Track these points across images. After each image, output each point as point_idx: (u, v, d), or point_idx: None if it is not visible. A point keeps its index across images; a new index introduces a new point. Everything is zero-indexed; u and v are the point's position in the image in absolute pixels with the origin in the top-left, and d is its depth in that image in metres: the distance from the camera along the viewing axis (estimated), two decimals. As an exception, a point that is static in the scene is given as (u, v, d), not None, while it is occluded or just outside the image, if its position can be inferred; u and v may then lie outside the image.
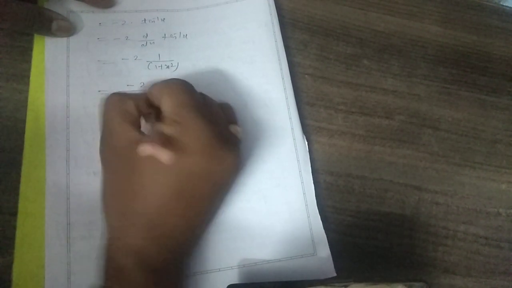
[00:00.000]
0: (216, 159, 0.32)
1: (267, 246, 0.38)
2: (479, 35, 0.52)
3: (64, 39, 0.42)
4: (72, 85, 0.40)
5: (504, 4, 0.55)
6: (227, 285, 0.34)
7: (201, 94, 0.37)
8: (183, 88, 0.34)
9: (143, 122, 0.35)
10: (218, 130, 0.33)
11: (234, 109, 0.40)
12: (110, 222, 0.33)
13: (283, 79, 0.44)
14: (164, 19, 0.44)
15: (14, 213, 0.36)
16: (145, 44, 0.43)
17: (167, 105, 0.33)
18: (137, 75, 0.42)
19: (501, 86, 0.50)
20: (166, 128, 0.32)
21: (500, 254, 0.43)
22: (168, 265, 0.32)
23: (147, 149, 0.31)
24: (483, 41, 0.52)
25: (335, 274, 0.37)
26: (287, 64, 0.45)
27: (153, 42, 0.43)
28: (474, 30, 0.53)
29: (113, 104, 0.34)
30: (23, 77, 0.40)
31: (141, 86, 0.41)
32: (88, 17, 0.43)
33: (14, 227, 0.35)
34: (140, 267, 0.30)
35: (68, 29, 0.41)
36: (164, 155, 0.30)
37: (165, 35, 0.44)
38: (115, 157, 0.33)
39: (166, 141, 0.31)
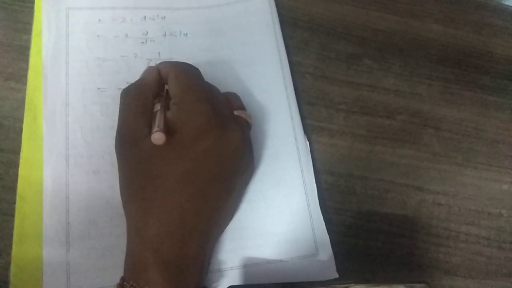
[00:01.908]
0: (217, 138, 0.33)
1: (268, 247, 0.38)
2: (481, 34, 0.52)
3: (63, 36, 0.41)
4: (71, 83, 0.40)
5: (506, 3, 0.55)
6: (227, 286, 0.34)
7: (206, 82, 0.37)
8: (189, 72, 0.36)
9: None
10: (219, 112, 0.34)
11: (239, 97, 0.40)
12: (128, 214, 0.33)
13: (284, 78, 0.44)
14: (164, 17, 0.44)
15: (11, 214, 0.35)
16: (145, 42, 0.43)
17: (172, 87, 0.35)
18: (137, 73, 0.41)
19: (503, 86, 0.50)
20: (169, 113, 0.33)
21: (502, 255, 0.42)
22: (185, 260, 0.31)
23: (161, 137, 0.31)
24: (485, 40, 0.52)
25: (337, 276, 0.37)
26: (288, 64, 0.45)
27: (153, 40, 0.43)
28: (476, 29, 0.52)
29: (132, 97, 0.35)
30: (21, 76, 0.40)
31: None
32: (87, 14, 0.43)
33: (12, 228, 0.35)
34: (156, 259, 0.30)
35: None
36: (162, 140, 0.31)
37: (165, 33, 0.44)
38: (127, 149, 0.34)
39: (169, 127, 0.32)
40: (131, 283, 0.30)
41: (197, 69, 0.37)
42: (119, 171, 0.35)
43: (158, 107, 0.34)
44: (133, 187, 0.33)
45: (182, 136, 0.32)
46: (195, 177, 0.32)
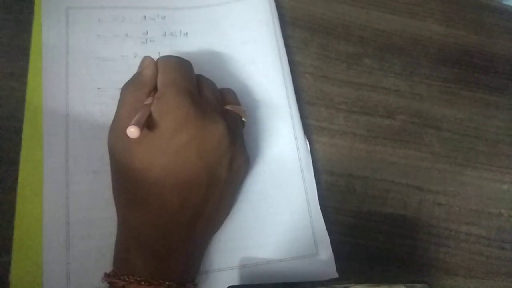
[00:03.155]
0: (197, 131, 0.32)
1: (268, 246, 0.38)
2: (481, 34, 0.52)
3: (63, 35, 0.41)
4: (71, 82, 0.40)
5: (506, 3, 0.55)
6: (227, 286, 0.34)
7: (198, 75, 0.37)
8: (174, 66, 0.35)
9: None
10: (200, 105, 0.33)
11: (235, 93, 0.40)
12: (117, 206, 0.34)
13: (284, 78, 0.44)
14: (164, 17, 0.44)
15: (11, 214, 0.35)
16: (145, 42, 0.43)
17: (159, 81, 0.35)
18: (137, 73, 0.41)
19: (503, 86, 0.50)
20: (152, 107, 0.33)
21: (502, 255, 0.42)
22: (168, 250, 0.31)
23: (136, 130, 0.30)
24: (485, 40, 0.52)
25: (337, 275, 0.37)
26: (288, 64, 0.45)
27: (153, 40, 0.43)
28: (476, 29, 0.52)
29: (128, 92, 0.35)
30: (21, 75, 0.40)
31: None
32: (87, 14, 0.43)
33: (12, 228, 0.35)
34: (137, 248, 0.31)
35: None
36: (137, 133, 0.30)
37: (165, 33, 0.44)
38: (116, 143, 0.34)
39: (152, 121, 0.32)
40: (113, 269, 0.30)
41: (186, 62, 0.36)
42: (110, 165, 0.35)
43: (149, 100, 0.34)
44: (120, 180, 0.33)
45: (162, 130, 0.32)
46: (176, 169, 0.32)
